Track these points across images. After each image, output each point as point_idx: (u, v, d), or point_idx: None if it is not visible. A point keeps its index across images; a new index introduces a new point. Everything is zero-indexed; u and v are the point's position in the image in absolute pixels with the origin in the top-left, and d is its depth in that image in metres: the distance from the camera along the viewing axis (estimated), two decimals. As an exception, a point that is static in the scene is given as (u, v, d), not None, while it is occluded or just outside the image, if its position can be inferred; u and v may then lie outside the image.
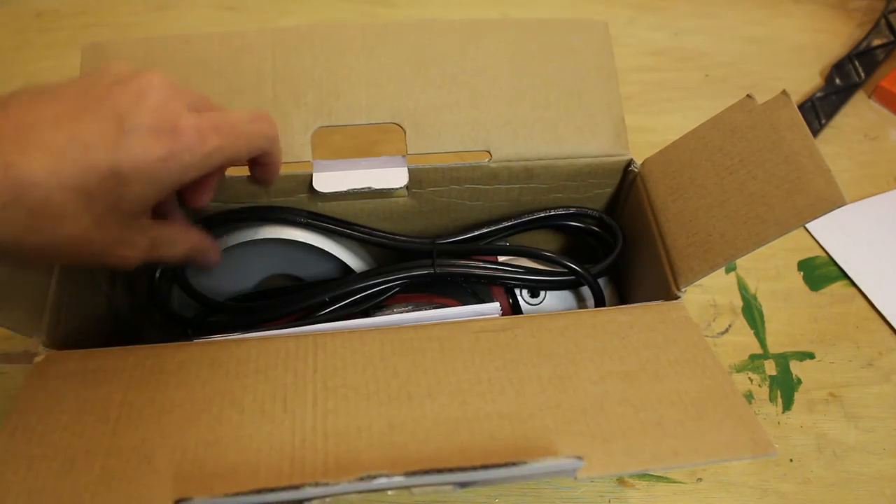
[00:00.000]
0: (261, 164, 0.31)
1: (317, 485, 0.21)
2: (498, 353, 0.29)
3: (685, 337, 0.31)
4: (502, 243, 0.42)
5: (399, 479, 0.21)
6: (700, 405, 0.27)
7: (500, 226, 0.40)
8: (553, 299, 0.40)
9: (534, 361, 0.29)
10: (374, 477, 0.21)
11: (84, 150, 0.23)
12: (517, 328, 0.31)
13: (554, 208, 0.41)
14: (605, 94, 0.38)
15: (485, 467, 0.22)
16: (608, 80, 0.38)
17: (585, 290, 0.40)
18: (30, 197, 0.22)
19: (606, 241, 0.41)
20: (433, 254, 0.38)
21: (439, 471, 0.21)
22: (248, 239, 0.38)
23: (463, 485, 0.22)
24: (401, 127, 0.36)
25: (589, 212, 0.41)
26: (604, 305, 0.39)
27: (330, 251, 0.39)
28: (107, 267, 0.27)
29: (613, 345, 0.30)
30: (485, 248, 0.40)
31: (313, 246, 0.38)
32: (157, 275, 0.37)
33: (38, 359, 0.29)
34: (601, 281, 0.40)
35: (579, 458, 0.22)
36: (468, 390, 0.28)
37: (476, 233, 0.40)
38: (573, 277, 0.38)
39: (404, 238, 0.39)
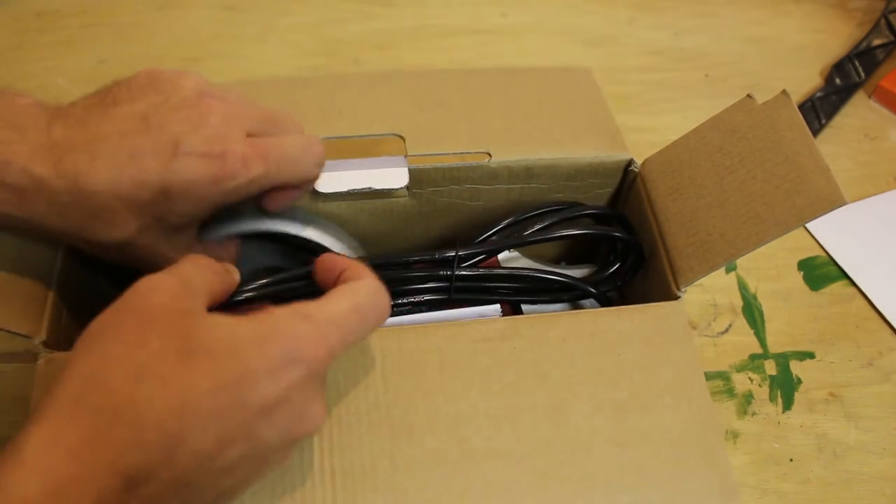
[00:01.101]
0: (291, 188, 0.32)
1: None
2: (496, 375, 0.30)
3: (679, 355, 0.31)
4: (517, 258, 0.41)
5: None
6: (680, 446, 0.29)
7: (527, 232, 0.37)
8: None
9: (530, 387, 0.30)
10: None
11: (141, 169, 0.26)
12: (516, 337, 0.31)
13: (581, 205, 0.39)
14: (595, 113, 0.40)
15: None
16: (600, 109, 0.40)
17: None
18: (90, 202, 0.26)
19: (619, 253, 0.39)
20: (452, 278, 0.36)
21: None
22: (238, 231, 0.36)
23: None
24: (401, 137, 0.37)
25: (620, 233, 0.38)
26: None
27: (321, 242, 0.37)
28: (145, 268, 0.29)
29: (608, 366, 0.31)
30: (507, 274, 0.37)
31: (302, 237, 0.37)
32: None
33: (39, 362, 0.29)
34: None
35: None
36: (466, 423, 0.29)
37: (495, 232, 0.38)
38: (585, 292, 0.38)
39: (421, 263, 0.36)
